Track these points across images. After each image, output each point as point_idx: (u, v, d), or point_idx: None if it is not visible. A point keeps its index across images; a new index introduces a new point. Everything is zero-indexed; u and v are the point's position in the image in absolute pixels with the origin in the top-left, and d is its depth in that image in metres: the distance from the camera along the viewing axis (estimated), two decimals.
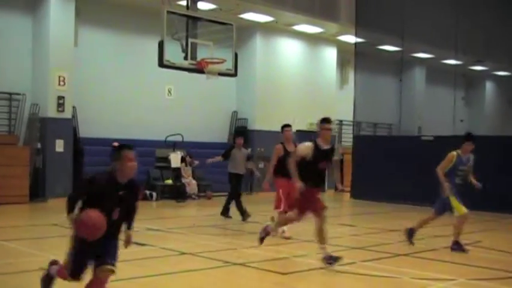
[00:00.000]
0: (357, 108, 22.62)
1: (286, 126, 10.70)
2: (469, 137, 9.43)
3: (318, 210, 7.85)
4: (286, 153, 10.23)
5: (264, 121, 20.99)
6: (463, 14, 25.77)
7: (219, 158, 13.28)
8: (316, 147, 7.71)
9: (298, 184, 7.63)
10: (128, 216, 5.23)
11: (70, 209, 4.94)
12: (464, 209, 9.11)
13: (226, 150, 13.31)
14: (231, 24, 13.69)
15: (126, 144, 5.17)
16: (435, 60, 28.75)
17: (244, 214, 12.76)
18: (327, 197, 21.10)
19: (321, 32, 22.20)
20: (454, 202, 9.10)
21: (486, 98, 34.77)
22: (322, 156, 7.74)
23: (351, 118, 23.37)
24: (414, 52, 27.39)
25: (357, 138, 20.88)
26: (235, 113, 21.56)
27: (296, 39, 22.41)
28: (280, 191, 10.23)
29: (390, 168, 17.69)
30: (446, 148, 16.76)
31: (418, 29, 23.74)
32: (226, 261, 8.09)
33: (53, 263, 5.57)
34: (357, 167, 19.37)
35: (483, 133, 22.28)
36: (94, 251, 4.97)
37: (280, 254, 8.94)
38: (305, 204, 7.82)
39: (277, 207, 10.34)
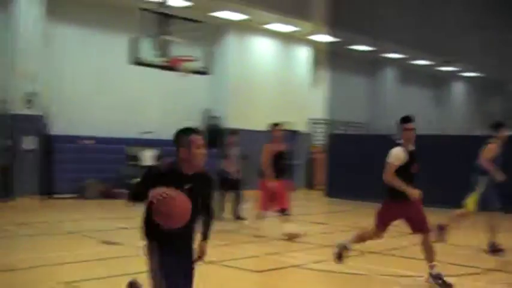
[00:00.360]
0: (330, 107, 22.75)
1: (277, 124, 10.37)
2: (501, 123, 9.28)
3: (419, 225, 7.03)
4: (277, 153, 10.13)
5: (237, 120, 20.94)
6: (434, 15, 26.10)
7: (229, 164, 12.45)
8: (406, 151, 7.07)
9: (415, 192, 6.86)
10: (204, 220, 4.47)
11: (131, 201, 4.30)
12: (473, 208, 9.12)
13: (222, 150, 12.98)
14: (205, 22, 13.65)
15: (193, 128, 4.37)
16: (406, 61, 29.09)
17: (220, 213, 12.65)
18: (301, 195, 21.22)
19: (295, 31, 22.26)
20: (474, 197, 9.08)
21: (455, 98, 35.30)
22: (413, 159, 7.08)
23: (323, 117, 23.53)
24: (386, 52, 27.67)
25: (330, 137, 20.99)
26: (207, 111, 21.49)
27: (270, 38, 22.43)
28: (264, 191, 10.10)
29: (364, 167, 17.80)
30: (417, 147, 16.93)
31: (390, 29, 23.96)
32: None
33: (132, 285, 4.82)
34: (331, 165, 19.47)
35: (452, 133, 22.61)
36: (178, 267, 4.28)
37: (253, 252, 8.94)
38: (394, 217, 7.10)
39: (260, 207, 10.26)
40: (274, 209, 10.25)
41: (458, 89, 35.67)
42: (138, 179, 4.35)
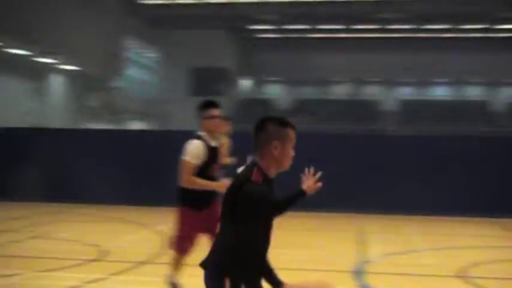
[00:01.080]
0: None
1: None
2: (227, 117, 8.87)
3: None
4: None
5: None
6: (35, 2, 25.62)
7: None
8: (206, 146, 5.34)
9: (222, 184, 5.21)
10: None
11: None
12: None
13: None
14: None
15: (287, 119, 3.21)
16: (1, 49, 27.75)
17: None
18: None
19: None
20: None
21: (56, 90, 35.26)
22: (214, 157, 5.41)
23: None
24: None
25: None
26: None
27: None
28: None
29: None
30: (17, 141, 16.35)
31: None
32: None
33: None
34: None
35: (56, 125, 22.67)
36: None
37: None
38: (192, 228, 5.42)
39: None
40: None
41: (58, 82, 35.70)
42: (265, 198, 3.08)
